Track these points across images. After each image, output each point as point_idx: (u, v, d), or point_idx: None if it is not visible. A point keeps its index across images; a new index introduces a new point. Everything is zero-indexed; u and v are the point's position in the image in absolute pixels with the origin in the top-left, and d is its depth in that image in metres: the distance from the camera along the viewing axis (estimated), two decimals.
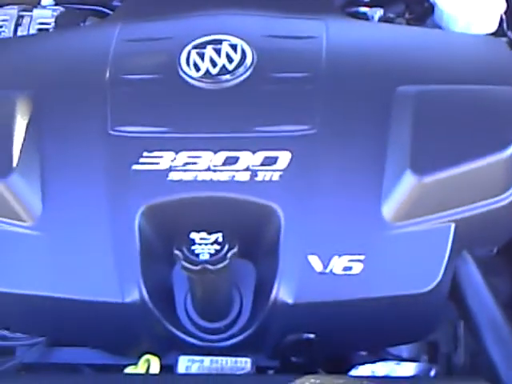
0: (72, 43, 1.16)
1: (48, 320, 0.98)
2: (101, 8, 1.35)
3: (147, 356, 0.95)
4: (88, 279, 0.94)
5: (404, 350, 1.03)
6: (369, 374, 0.98)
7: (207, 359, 0.96)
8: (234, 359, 0.96)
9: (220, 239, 0.88)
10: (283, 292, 0.92)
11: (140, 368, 0.94)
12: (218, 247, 0.87)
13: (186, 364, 0.96)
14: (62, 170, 0.98)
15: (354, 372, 0.98)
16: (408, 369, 1.00)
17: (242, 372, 0.95)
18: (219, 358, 0.96)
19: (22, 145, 0.97)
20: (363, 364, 1.00)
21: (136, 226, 0.94)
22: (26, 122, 1.00)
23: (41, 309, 0.96)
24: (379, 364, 0.99)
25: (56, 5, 1.33)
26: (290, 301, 0.92)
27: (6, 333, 1.00)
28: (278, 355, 0.98)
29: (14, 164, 0.95)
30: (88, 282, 0.94)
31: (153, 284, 0.94)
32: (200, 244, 0.87)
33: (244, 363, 0.97)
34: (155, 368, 0.94)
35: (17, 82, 1.08)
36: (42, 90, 1.04)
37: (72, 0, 1.35)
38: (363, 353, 1.03)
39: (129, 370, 0.95)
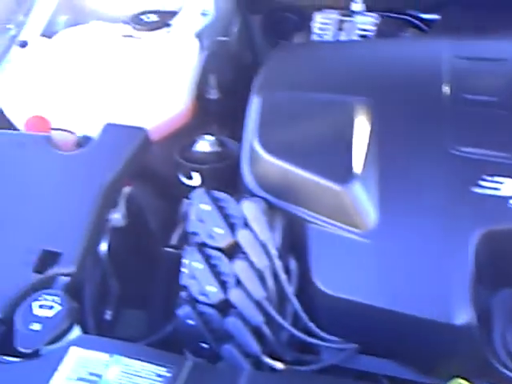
0: (400, 54, 1.16)
1: (365, 328, 0.99)
2: (410, 18, 1.35)
3: (459, 380, 0.94)
4: (415, 295, 0.94)
5: None
6: None
7: None
8: None
9: None
10: None
11: None
12: None
13: None
14: (399, 182, 0.99)
15: None
16: None
17: None
18: None
19: (363, 153, 0.99)
20: None
21: (472, 249, 0.93)
22: (366, 130, 1.01)
23: (360, 316, 0.97)
24: None
25: (370, 11, 1.34)
26: None
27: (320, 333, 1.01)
28: None
29: (356, 171, 0.97)
30: (415, 298, 0.94)
31: (478, 308, 0.93)
32: None
33: None
34: None
35: (350, 88, 1.09)
36: (380, 100, 1.05)
37: (378, 6, 1.37)
38: None
39: None
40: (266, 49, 1.63)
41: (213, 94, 1.42)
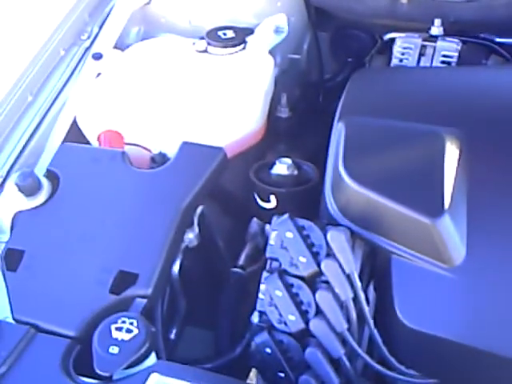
0: (489, 83, 1.13)
1: (447, 364, 0.96)
2: (489, 43, 1.32)
3: None
4: (503, 334, 0.91)
5: None
6: None
7: None
8: None
9: None
10: None
11: None
12: None
13: None
14: (488, 218, 0.96)
15: None
16: None
17: None
18: None
19: (453, 186, 0.96)
20: None
21: None
22: (456, 162, 0.98)
23: (443, 352, 0.95)
24: None
25: (447, 35, 1.31)
26: None
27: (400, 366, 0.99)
28: None
29: (446, 205, 0.94)
30: (503, 337, 0.91)
31: None
32: None
33: None
34: None
35: (438, 117, 1.05)
36: (470, 131, 1.02)
37: (456, 29, 1.34)
38: None
39: None
40: (333, 66, 1.61)
41: (283, 113, 1.40)
